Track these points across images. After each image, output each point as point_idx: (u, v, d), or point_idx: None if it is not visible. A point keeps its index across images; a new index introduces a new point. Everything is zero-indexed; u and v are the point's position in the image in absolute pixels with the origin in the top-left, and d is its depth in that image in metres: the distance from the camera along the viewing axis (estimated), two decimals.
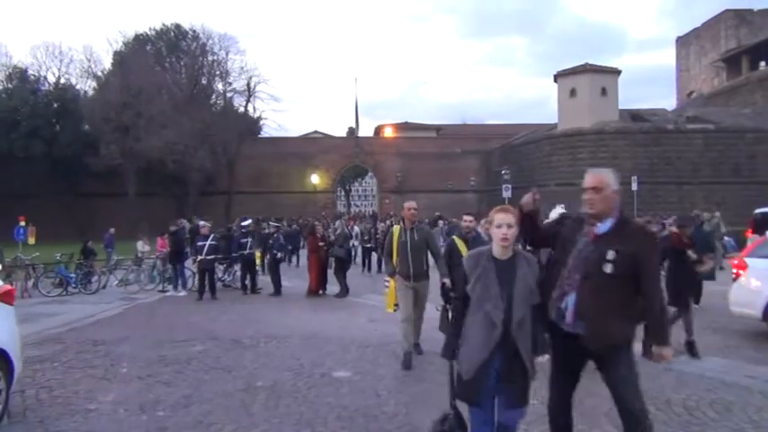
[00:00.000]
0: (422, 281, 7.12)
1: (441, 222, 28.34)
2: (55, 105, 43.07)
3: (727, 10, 49.10)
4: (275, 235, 15.25)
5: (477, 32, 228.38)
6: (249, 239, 14.45)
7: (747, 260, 8.46)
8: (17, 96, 41.92)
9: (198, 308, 12.21)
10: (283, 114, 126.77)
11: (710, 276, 7.61)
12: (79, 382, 6.27)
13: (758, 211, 17.10)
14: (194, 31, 48.16)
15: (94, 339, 8.61)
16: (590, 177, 3.48)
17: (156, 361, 7.16)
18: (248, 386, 6.00)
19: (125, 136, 39.28)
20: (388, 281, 7.42)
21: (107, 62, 46.09)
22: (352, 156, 49.19)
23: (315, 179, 47.88)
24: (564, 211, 6.82)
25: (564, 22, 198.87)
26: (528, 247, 4.44)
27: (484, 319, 3.17)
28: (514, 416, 3.26)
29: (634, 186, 28.14)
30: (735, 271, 8.60)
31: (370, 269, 18.65)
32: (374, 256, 18.49)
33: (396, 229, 7.38)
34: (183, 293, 14.29)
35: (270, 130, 51.97)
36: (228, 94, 49.78)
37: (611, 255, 3.27)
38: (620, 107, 37.04)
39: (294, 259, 21.60)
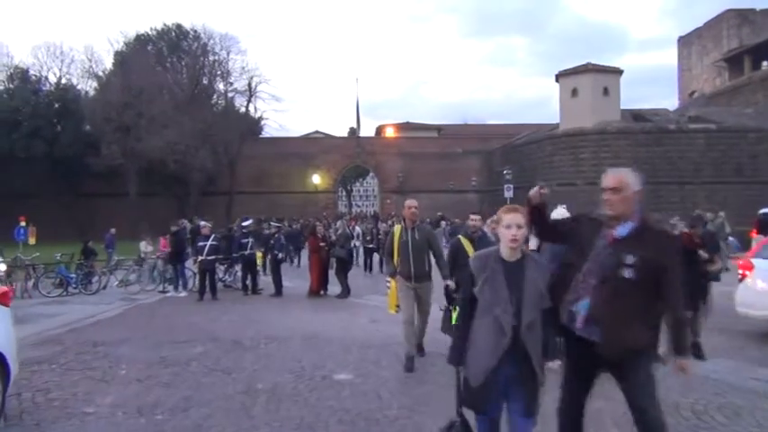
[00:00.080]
0: (423, 282, 6.96)
1: (443, 223, 28.25)
2: (56, 105, 43.05)
3: (730, 9, 48.99)
4: (276, 235, 15.19)
5: (479, 32, 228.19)
6: (250, 240, 14.39)
7: (753, 261, 8.39)
8: (18, 97, 41.91)
9: (198, 308, 12.16)
10: (284, 114, 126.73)
11: (716, 277, 7.53)
12: (77, 384, 6.19)
13: (762, 211, 17.02)
14: (195, 31, 48.19)
15: (94, 340, 8.54)
16: (609, 177, 3.33)
17: (155, 362, 7.09)
18: (248, 389, 5.92)
19: (126, 136, 39.24)
20: (389, 281, 7.30)
21: (108, 62, 46.10)
22: (353, 156, 49.12)
23: (316, 179, 47.81)
24: (565, 211, 6.72)
25: (565, 21, 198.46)
26: (533, 248, 4.36)
27: (493, 324, 3.06)
28: (526, 425, 3.13)
29: None
30: (740, 272, 8.52)
31: (371, 270, 18.59)
32: (376, 256, 18.43)
33: (397, 228, 7.27)
34: (183, 294, 14.24)
35: (271, 130, 52.00)
36: (230, 95, 49.79)
37: (630, 259, 3.14)
38: (621, 107, 36.95)
39: (295, 259, 21.57)
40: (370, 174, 58.22)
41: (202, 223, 15.17)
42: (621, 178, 3.31)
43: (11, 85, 44.20)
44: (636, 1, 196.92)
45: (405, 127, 58.98)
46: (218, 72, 48.35)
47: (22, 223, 19.73)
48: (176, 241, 14.87)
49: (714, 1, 73.17)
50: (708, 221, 15.42)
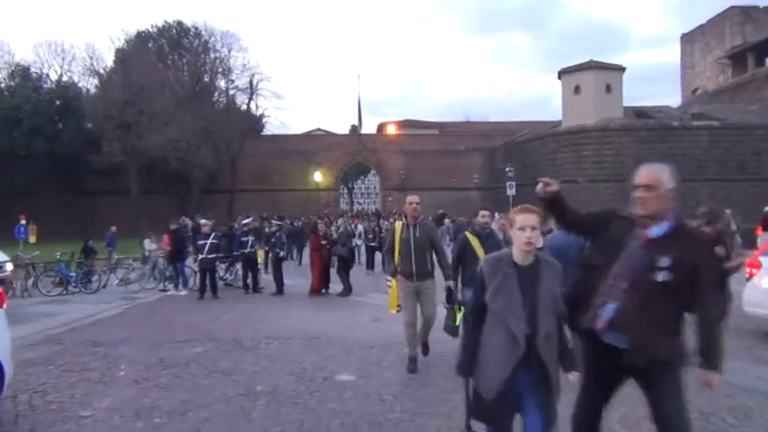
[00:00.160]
0: (425, 280, 6.68)
1: (446, 221, 27.91)
2: (57, 103, 43.04)
3: (733, 7, 48.82)
4: (278, 233, 15.09)
5: (481, 30, 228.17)
6: (250, 238, 14.29)
7: (762, 259, 8.25)
8: (19, 94, 41.88)
9: (199, 307, 12.06)
10: (286, 112, 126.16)
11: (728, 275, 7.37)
12: (75, 386, 6.09)
13: None
14: (196, 29, 48.13)
15: (93, 340, 8.45)
16: (643, 174, 3.09)
17: (154, 363, 6.99)
18: (248, 391, 5.81)
19: (127, 133, 39.18)
20: (389, 281, 7.12)
21: (109, 60, 46.01)
22: (354, 153, 49.02)
23: (317, 177, 47.72)
24: None
25: (567, 19, 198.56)
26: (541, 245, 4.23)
27: (506, 333, 2.90)
28: None
29: None
30: (748, 270, 8.39)
31: (373, 268, 18.48)
32: (378, 254, 18.30)
33: (398, 225, 7.03)
34: (183, 292, 14.14)
35: (272, 127, 52.07)
36: (231, 92, 49.76)
37: (664, 262, 2.93)
38: (624, 104, 36.86)
39: (297, 257, 21.46)
40: (372, 171, 58.08)
41: (203, 221, 15.07)
42: (656, 175, 3.09)
43: (12, 83, 44.17)
44: None
45: (406, 124, 58.88)
46: (220, 69, 48.32)
47: (23, 221, 19.65)
48: (176, 239, 14.76)
49: None
50: (728, 219, 15.18)
